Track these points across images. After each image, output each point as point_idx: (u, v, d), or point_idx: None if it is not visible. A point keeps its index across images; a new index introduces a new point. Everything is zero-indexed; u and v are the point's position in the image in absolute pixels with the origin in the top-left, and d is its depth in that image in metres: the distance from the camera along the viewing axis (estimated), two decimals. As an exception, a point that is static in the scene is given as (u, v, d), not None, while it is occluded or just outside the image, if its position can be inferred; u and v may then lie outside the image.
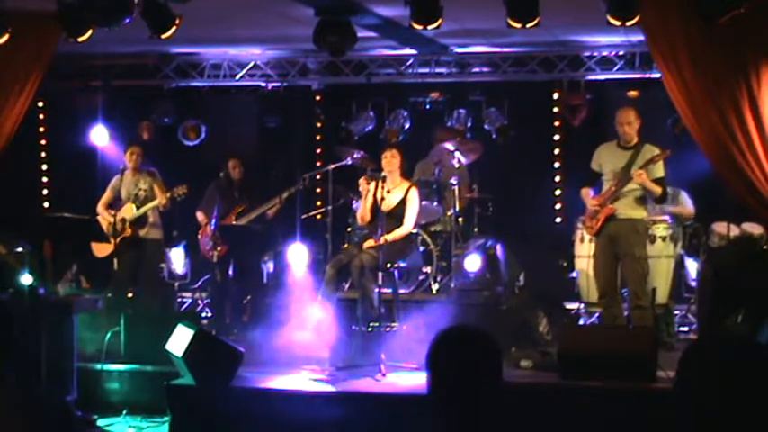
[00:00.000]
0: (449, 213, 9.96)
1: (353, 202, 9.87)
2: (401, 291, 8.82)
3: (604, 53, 10.93)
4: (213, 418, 6.73)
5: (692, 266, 9.51)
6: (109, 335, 7.98)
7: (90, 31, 8.32)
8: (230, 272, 9.88)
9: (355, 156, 9.91)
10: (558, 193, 11.79)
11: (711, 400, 2.31)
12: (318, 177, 10.83)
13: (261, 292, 10.01)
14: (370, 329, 8.26)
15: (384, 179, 8.34)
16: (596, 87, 11.24)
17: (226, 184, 10.34)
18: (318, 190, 11.45)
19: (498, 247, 9.74)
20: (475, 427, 2.67)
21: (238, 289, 10.02)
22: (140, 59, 11.70)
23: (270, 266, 10.25)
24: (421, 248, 9.69)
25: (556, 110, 11.74)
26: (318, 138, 12.53)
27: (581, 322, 9.28)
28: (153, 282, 10.02)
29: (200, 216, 10.33)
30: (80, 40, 8.37)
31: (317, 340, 7.81)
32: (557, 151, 11.86)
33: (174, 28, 8.23)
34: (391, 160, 8.40)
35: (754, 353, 2.35)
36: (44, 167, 12.53)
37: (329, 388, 7.08)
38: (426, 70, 11.46)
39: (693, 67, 8.32)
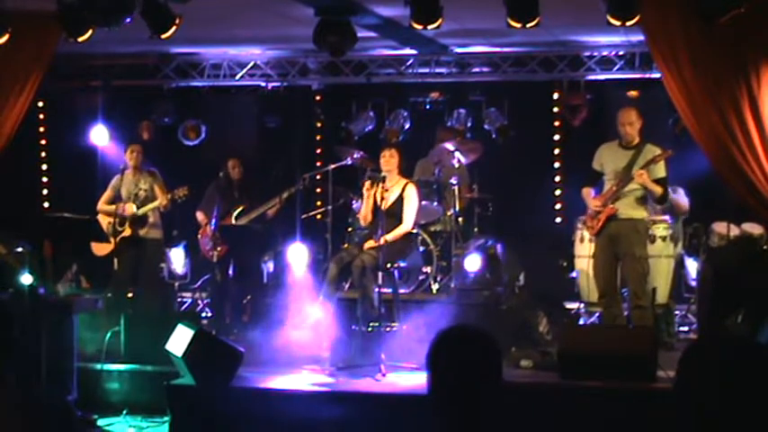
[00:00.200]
0: (449, 213, 9.96)
1: (353, 202, 9.88)
2: (401, 291, 8.82)
3: (604, 53, 10.92)
4: (213, 418, 6.73)
5: (692, 266, 9.51)
6: (109, 335, 7.98)
7: (90, 31, 8.32)
8: (230, 272, 9.88)
9: (355, 156, 9.91)
10: (558, 193, 11.79)
11: (711, 400, 2.31)
12: (318, 177, 10.82)
13: (261, 292, 10.01)
14: (370, 329, 8.27)
15: (384, 179, 8.36)
16: (596, 87, 11.24)
17: (226, 184, 10.34)
18: (318, 190, 11.44)
19: (498, 247, 9.75)
20: (475, 427, 2.67)
21: (238, 289, 10.02)
22: (140, 59, 11.70)
23: (270, 266, 10.25)
24: (421, 248, 9.69)
25: (556, 110, 11.74)
26: (318, 138, 12.53)
27: (581, 322, 9.29)
28: (153, 282, 10.02)
29: (199, 216, 10.33)
30: (80, 40, 8.37)
31: (317, 340, 7.82)
32: (557, 151, 11.86)
33: (174, 28, 8.23)
34: (390, 160, 8.41)
35: (754, 353, 2.35)
36: (44, 167, 12.53)
37: (329, 388, 7.08)
38: (426, 70, 11.46)
39: (693, 67, 8.32)
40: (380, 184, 8.28)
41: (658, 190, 8.16)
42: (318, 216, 10.53)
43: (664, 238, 8.91)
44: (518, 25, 7.98)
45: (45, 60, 9.63)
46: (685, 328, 9.68)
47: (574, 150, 11.22)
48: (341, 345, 7.89)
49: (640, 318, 8.16)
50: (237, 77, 11.80)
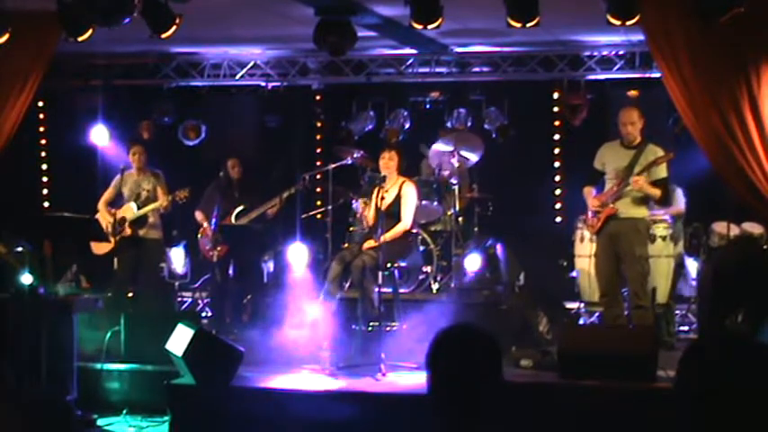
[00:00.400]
0: (449, 213, 9.96)
1: (353, 201, 9.87)
2: (401, 290, 8.82)
3: (604, 53, 10.92)
4: (213, 417, 6.73)
5: (692, 266, 9.51)
6: (109, 334, 7.97)
7: (90, 31, 8.31)
8: (230, 272, 9.88)
9: (355, 155, 9.91)
10: (558, 192, 11.80)
11: (711, 400, 2.30)
12: (318, 177, 10.82)
13: (261, 291, 10.01)
14: (370, 329, 8.27)
15: (384, 180, 8.37)
16: (596, 87, 11.24)
17: (226, 183, 10.34)
18: (318, 190, 11.44)
19: (498, 246, 9.75)
20: (475, 426, 2.67)
21: (238, 289, 10.02)
22: (140, 59, 11.70)
23: (270, 266, 10.25)
24: (421, 248, 9.69)
25: (556, 109, 11.74)
26: (318, 137, 12.53)
27: (581, 322, 9.29)
28: (153, 281, 10.02)
29: (198, 216, 10.33)
30: (80, 39, 8.36)
31: (316, 340, 7.81)
32: (557, 151, 11.86)
33: (174, 27, 8.23)
34: (389, 162, 8.42)
35: (754, 353, 2.34)
36: (44, 167, 12.54)
37: (329, 388, 7.08)
38: (426, 70, 11.45)
39: (693, 66, 8.32)
40: (380, 186, 8.31)
41: (656, 193, 8.15)
42: (318, 216, 10.53)
43: (664, 238, 8.92)
44: (518, 25, 7.98)
45: (45, 60, 9.62)
46: (685, 328, 9.68)
47: (574, 150, 11.22)
48: (341, 344, 7.88)
49: (641, 318, 8.16)
50: (237, 77, 11.80)
